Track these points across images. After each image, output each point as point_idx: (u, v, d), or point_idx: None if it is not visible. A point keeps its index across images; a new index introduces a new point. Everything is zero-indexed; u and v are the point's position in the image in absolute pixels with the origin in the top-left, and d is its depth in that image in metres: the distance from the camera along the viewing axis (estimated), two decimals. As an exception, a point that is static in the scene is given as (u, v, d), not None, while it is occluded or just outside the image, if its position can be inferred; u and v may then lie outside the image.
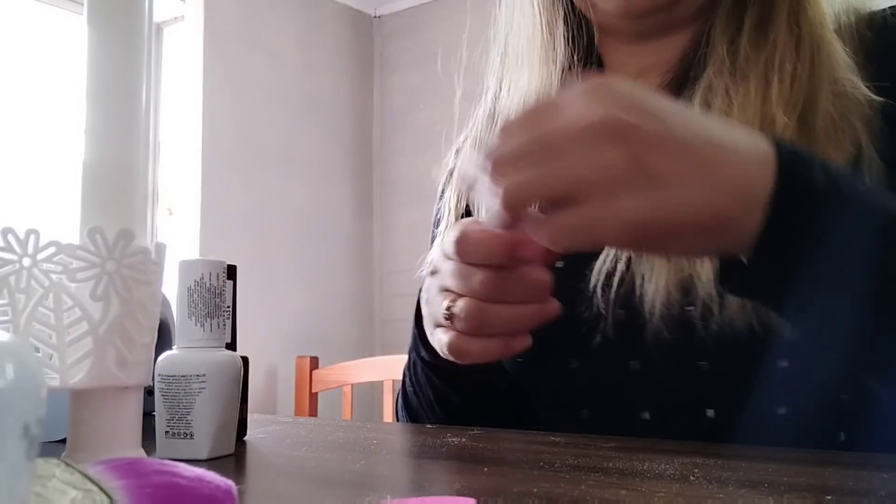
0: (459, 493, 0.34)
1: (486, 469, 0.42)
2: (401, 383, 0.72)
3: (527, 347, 0.47)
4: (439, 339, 0.49)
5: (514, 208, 0.39)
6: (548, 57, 0.68)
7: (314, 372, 2.16)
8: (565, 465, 0.41)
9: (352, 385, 2.05)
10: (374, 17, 3.29)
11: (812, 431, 0.54)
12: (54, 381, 0.32)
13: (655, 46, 0.65)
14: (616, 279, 0.58)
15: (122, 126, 0.34)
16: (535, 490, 0.34)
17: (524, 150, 0.38)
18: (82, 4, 0.35)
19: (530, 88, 0.68)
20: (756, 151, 0.40)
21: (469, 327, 0.47)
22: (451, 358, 0.49)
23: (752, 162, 0.40)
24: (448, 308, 0.47)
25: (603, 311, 0.59)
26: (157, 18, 2.63)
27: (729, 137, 0.40)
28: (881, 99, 0.54)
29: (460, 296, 0.47)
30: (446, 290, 0.48)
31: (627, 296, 0.58)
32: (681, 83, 0.62)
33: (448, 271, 0.48)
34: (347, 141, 3.14)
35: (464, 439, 0.52)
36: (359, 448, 0.54)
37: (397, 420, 0.73)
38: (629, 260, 0.58)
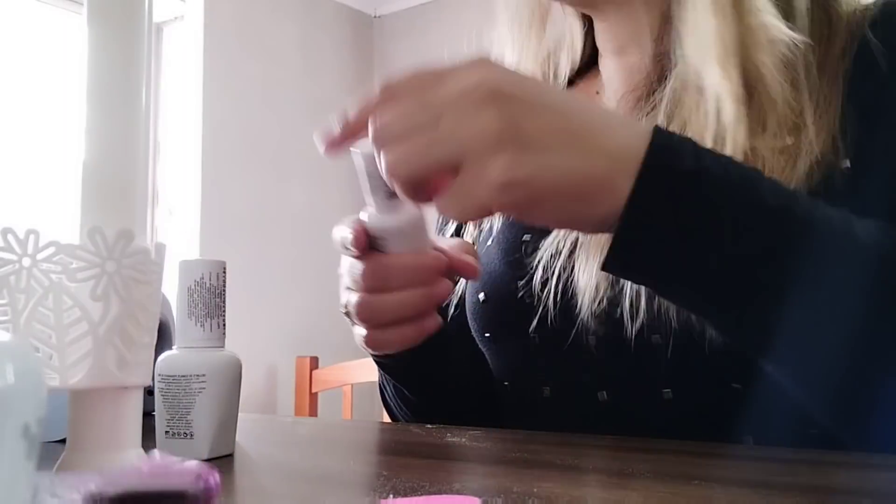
0: (459, 493, 0.34)
1: (486, 469, 0.42)
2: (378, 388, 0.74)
3: (437, 327, 0.49)
4: (356, 336, 0.52)
5: (401, 181, 0.40)
6: (540, 45, 0.70)
7: (314, 372, 2.16)
8: (565, 465, 0.41)
9: (352, 385, 2.05)
10: (374, 17, 3.29)
11: (769, 410, 0.54)
12: (54, 381, 0.32)
13: (616, 24, 0.66)
14: (557, 268, 0.59)
15: (122, 126, 0.34)
16: (535, 490, 0.34)
17: (405, 116, 0.40)
18: (82, 4, 0.35)
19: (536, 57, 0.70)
20: (631, 129, 0.41)
21: (364, 321, 0.49)
22: (370, 351, 0.51)
23: (625, 135, 0.41)
24: (344, 305, 0.50)
25: (546, 301, 0.60)
26: (157, 18, 2.62)
27: (604, 117, 0.41)
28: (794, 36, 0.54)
29: (355, 291, 0.49)
30: (347, 287, 0.51)
31: (565, 286, 0.59)
32: (655, 65, 0.63)
33: (344, 268, 0.51)
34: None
35: (464, 439, 0.52)
36: (358, 448, 0.54)
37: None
38: (572, 249, 0.59)
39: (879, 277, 0.42)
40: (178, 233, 2.57)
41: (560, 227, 0.54)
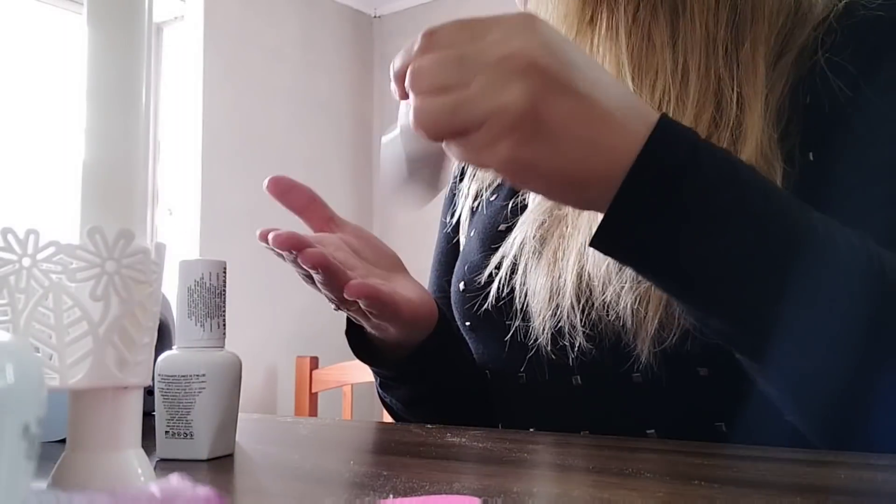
0: (459, 493, 0.34)
1: (486, 469, 0.42)
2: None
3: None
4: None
5: (423, 130, 0.42)
6: None
7: (314, 372, 2.16)
8: (565, 466, 0.41)
9: (352, 385, 2.05)
10: (374, 17, 3.29)
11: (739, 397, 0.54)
12: (54, 381, 0.32)
13: None
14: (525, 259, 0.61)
15: (122, 126, 0.34)
16: (535, 490, 0.34)
17: (442, 66, 0.41)
18: (82, 4, 0.35)
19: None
20: (639, 119, 0.42)
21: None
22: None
23: (632, 128, 0.41)
24: None
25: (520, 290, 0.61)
26: (157, 18, 2.63)
27: (621, 102, 0.42)
28: None
29: None
30: None
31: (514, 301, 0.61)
32: None
33: None
34: (347, 141, 3.14)
35: (464, 439, 0.52)
36: (359, 448, 0.54)
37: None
38: (516, 264, 0.62)
39: (859, 292, 0.43)
40: (178, 233, 2.57)
41: (551, 200, 0.55)
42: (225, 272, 0.49)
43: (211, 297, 0.47)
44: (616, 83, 0.43)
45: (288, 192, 0.61)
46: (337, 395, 2.14)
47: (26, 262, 0.32)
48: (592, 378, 0.59)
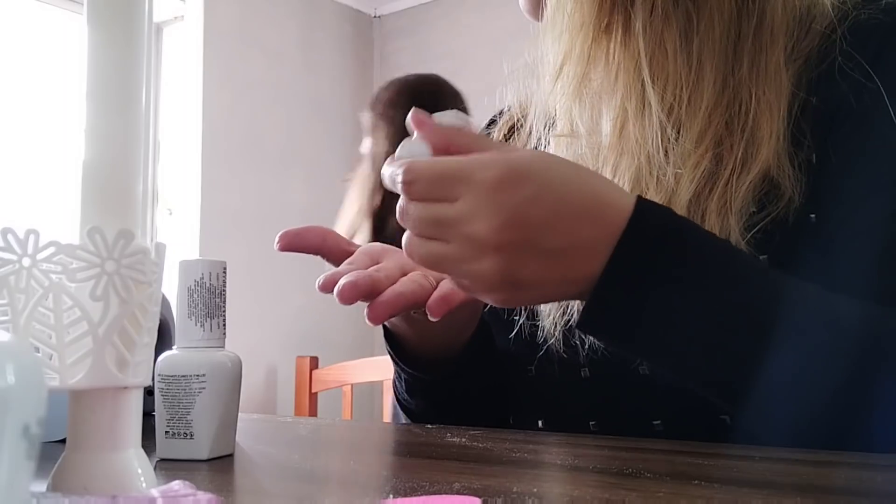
0: (459, 493, 0.34)
1: (486, 469, 0.42)
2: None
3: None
4: None
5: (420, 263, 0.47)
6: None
7: (314, 372, 2.16)
8: (565, 466, 0.41)
9: (352, 385, 2.05)
10: (374, 17, 3.29)
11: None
12: (54, 381, 0.31)
13: None
14: None
15: (122, 126, 0.34)
16: (535, 490, 0.34)
17: (422, 221, 0.45)
18: (82, 4, 0.35)
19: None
20: (611, 224, 0.45)
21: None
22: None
23: (603, 247, 0.45)
24: None
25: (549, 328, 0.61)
26: (157, 18, 2.63)
27: (596, 200, 0.45)
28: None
29: None
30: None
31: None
32: None
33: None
34: (347, 141, 3.14)
35: (464, 439, 0.52)
36: (359, 448, 0.54)
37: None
38: None
39: (856, 360, 0.45)
40: (178, 233, 2.57)
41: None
42: (225, 272, 0.49)
43: (211, 297, 0.47)
44: (591, 179, 0.46)
45: (299, 240, 0.62)
46: (337, 395, 2.14)
47: (26, 262, 0.32)
48: (601, 370, 0.59)
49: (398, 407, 0.71)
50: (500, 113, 0.77)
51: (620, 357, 0.56)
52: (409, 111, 0.47)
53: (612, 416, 0.60)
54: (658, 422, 0.57)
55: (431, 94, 1.85)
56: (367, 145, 1.91)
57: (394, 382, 0.69)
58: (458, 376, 0.64)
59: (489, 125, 0.79)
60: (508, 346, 0.65)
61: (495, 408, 0.68)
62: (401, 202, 0.46)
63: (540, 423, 0.64)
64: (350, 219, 1.86)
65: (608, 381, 0.59)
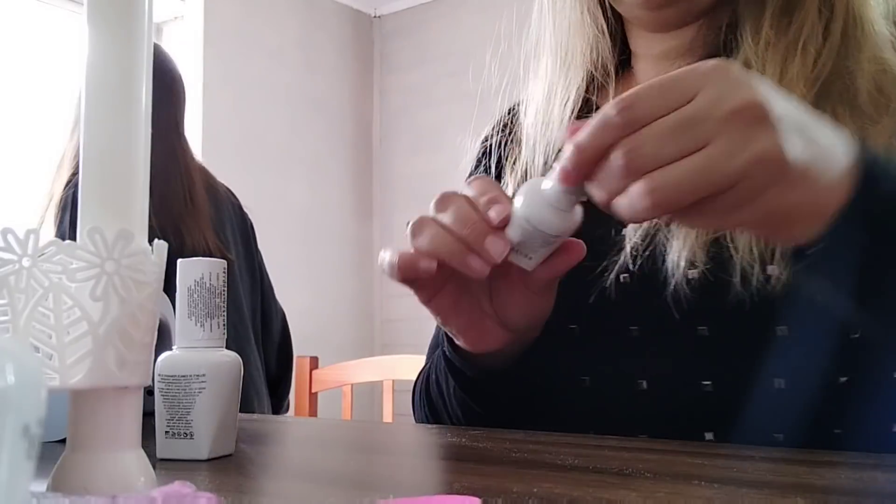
0: (459, 493, 0.34)
1: (486, 469, 0.42)
2: (423, 381, 0.69)
3: (428, 272, 0.46)
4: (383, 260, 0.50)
5: (660, 206, 0.37)
6: (586, 46, 0.69)
7: (314, 372, 2.16)
8: (565, 465, 0.41)
9: (352, 385, 2.05)
10: (374, 17, 3.29)
11: (808, 413, 0.54)
12: (54, 381, 0.31)
13: (676, 33, 0.66)
14: (640, 238, 0.59)
15: (122, 126, 0.34)
16: (535, 490, 0.34)
17: (669, 135, 0.37)
18: (82, 4, 0.35)
19: (569, 81, 0.69)
20: (844, 151, 0.42)
21: (412, 231, 0.48)
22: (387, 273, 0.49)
23: (843, 161, 0.41)
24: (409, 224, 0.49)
25: (625, 269, 0.59)
26: (157, 18, 2.63)
27: (828, 137, 0.41)
28: None
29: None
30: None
31: (649, 255, 0.58)
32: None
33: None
34: (347, 141, 3.14)
35: (464, 439, 0.52)
36: (359, 448, 0.54)
37: (414, 414, 0.71)
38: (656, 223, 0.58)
39: None
40: (178, 233, 2.57)
41: (758, 235, 0.52)
42: (225, 272, 0.49)
43: (211, 297, 0.47)
44: (817, 119, 0.42)
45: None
46: (337, 395, 2.14)
47: (26, 262, 0.32)
48: (659, 384, 0.59)
49: (424, 399, 0.67)
50: (510, 111, 0.76)
51: (682, 371, 0.56)
52: None
53: (664, 428, 0.57)
54: (708, 383, 0.56)
55: None
56: None
57: (435, 390, 0.65)
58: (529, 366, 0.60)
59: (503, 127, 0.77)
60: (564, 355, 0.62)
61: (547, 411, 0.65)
62: (624, 144, 0.38)
63: (586, 379, 0.62)
64: None
65: (667, 394, 0.58)
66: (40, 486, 0.32)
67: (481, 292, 0.53)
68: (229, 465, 0.44)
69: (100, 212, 0.33)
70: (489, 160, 0.74)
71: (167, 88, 1.44)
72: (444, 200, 0.48)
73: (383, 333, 3.18)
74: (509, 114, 0.76)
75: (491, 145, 0.74)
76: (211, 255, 1.32)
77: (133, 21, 0.34)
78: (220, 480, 0.40)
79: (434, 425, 0.61)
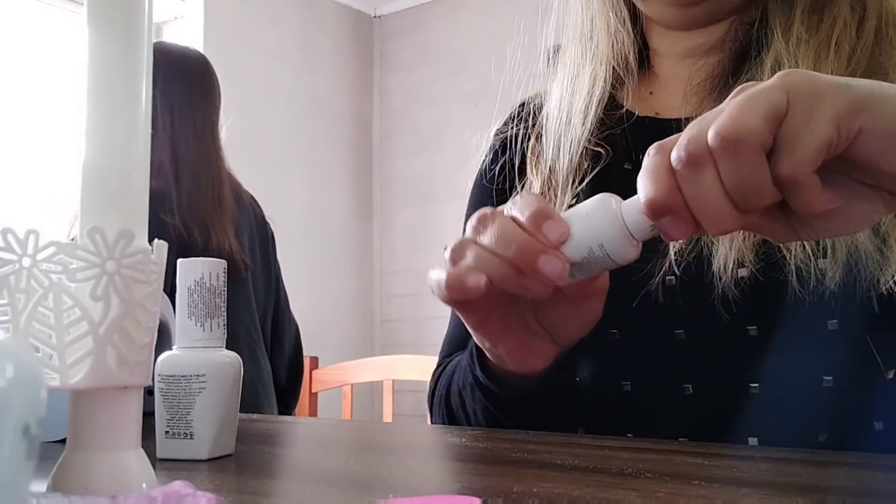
0: (459, 493, 0.34)
1: (486, 469, 0.42)
2: (443, 391, 0.65)
3: (478, 290, 0.43)
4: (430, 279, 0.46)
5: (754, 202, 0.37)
6: (608, 43, 0.69)
7: (314, 372, 2.16)
8: (565, 465, 0.41)
9: (351, 385, 2.05)
10: (374, 17, 3.29)
11: (855, 410, 0.54)
12: (54, 381, 0.31)
13: (701, 31, 0.66)
14: (684, 241, 0.57)
15: (122, 126, 0.34)
16: (535, 490, 0.34)
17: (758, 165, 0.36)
18: (82, 4, 0.35)
19: (593, 75, 0.68)
20: None
21: (452, 256, 0.45)
22: (435, 292, 0.45)
23: None
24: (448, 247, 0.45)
25: (670, 271, 0.58)
26: (157, 18, 2.63)
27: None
28: None
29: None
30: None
31: (695, 257, 0.57)
32: (736, 64, 0.63)
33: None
34: (347, 141, 3.14)
35: (464, 439, 0.52)
36: (359, 448, 0.54)
37: (431, 418, 0.67)
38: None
39: None
40: (178, 233, 2.57)
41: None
42: (225, 272, 0.49)
43: (211, 297, 0.47)
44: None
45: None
46: (337, 395, 2.14)
47: (26, 262, 0.32)
48: (704, 387, 0.58)
49: (444, 402, 0.64)
50: (522, 105, 0.76)
51: (730, 371, 0.56)
52: None
53: (707, 432, 0.56)
54: (755, 385, 0.56)
55: None
56: None
57: (457, 401, 0.62)
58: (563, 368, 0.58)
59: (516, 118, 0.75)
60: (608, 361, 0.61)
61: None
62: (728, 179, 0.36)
63: (627, 385, 0.61)
64: None
65: (712, 397, 0.58)
66: (40, 486, 0.32)
67: (527, 309, 0.49)
68: (229, 465, 0.44)
69: (100, 212, 0.33)
70: (510, 152, 0.72)
71: (206, 93, 1.48)
72: (483, 220, 0.44)
73: (383, 333, 3.18)
74: (523, 107, 0.75)
75: (510, 137, 0.72)
76: (232, 258, 1.33)
77: (133, 21, 0.34)
78: (220, 480, 0.40)
79: (433, 426, 0.61)
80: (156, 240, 0.35)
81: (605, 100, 0.67)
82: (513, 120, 0.75)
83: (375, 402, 2.74)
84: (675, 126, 0.61)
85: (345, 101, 3.12)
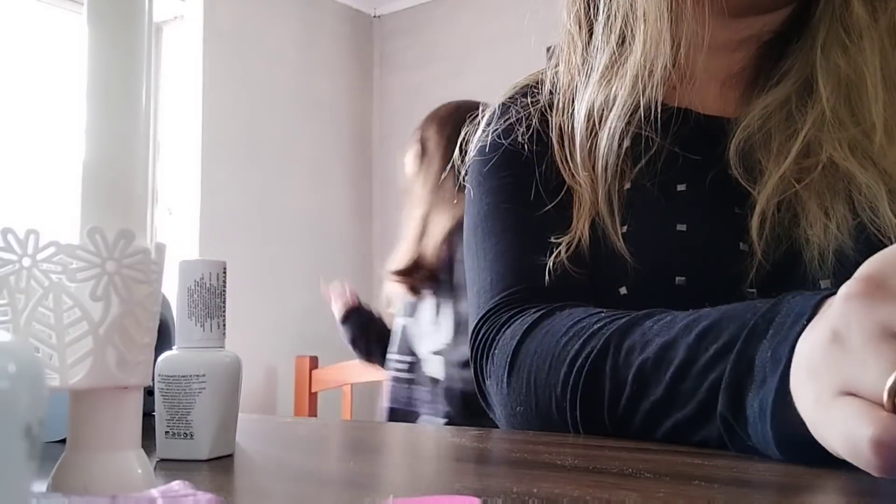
0: (459, 493, 0.34)
1: (486, 469, 0.42)
2: (585, 376, 0.54)
3: None
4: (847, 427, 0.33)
5: None
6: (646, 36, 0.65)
7: (314, 372, 2.16)
8: (565, 465, 0.41)
9: (351, 385, 2.05)
10: (374, 16, 3.29)
11: None
12: (54, 381, 0.31)
13: (751, 21, 0.65)
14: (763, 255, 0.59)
15: (122, 126, 0.34)
16: (535, 490, 0.34)
17: None
18: (82, 4, 0.35)
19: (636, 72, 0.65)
20: None
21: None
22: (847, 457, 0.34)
23: None
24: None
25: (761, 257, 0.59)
26: (156, 18, 2.63)
27: None
28: None
29: None
30: None
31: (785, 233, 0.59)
32: (779, 50, 0.64)
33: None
34: (347, 141, 3.14)
35: (464, 439, 0.52)
36: (359, 448, 0.54)
37: (484, 379, 0.62)
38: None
39: None
40: (177, 233, 2.57)
41: None
42: (225, 272, 0.49)
43: (211, 297, 0.47)
44: None
45: None
46: (337, 395, 2.14)
47: (26, 262, 0.32)
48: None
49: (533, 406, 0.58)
50: (538, 83, 0.72)
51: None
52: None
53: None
54: None
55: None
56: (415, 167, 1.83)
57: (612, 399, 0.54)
58: None
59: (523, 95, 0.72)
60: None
61: None
62: None
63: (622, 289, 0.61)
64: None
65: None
66: (40, 486, 0.32)
67: None
68: (229, 465, 0.44)
69: (100, 212, 0.33)
70: (525, 125, 0.69)
71: None
72: None
73: (383, 333, 3.18)
74: (525, 95, 0.72)
75: (522, 117, 0.69)
76: None
77: (133, 21, 0.34)
78: (220, 480, 0.40)
79: (433, 425, 0.61)
80: (156, 240, 0.35)
81: (651, 98, 0.64)
82: (518, 102, 0.72)
83: (375, 402, 2.74)
84: (724, 125, 0.63)
85: (345, 102, 3.12)
